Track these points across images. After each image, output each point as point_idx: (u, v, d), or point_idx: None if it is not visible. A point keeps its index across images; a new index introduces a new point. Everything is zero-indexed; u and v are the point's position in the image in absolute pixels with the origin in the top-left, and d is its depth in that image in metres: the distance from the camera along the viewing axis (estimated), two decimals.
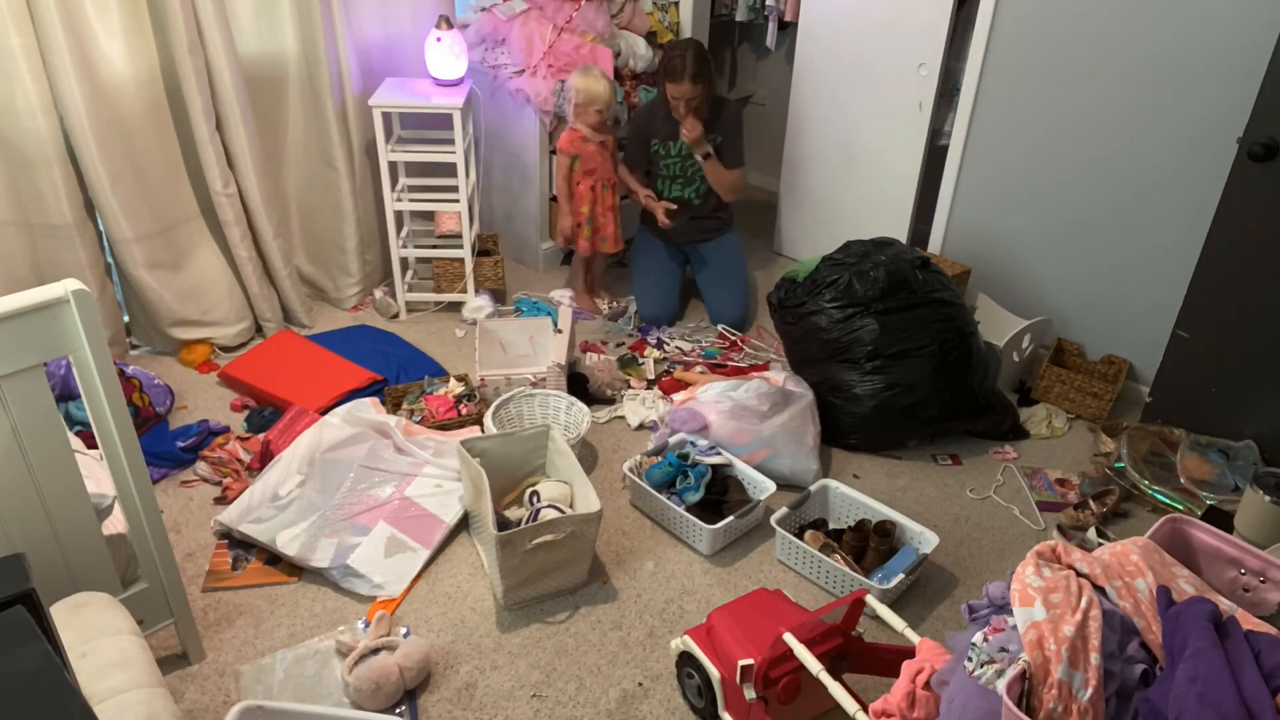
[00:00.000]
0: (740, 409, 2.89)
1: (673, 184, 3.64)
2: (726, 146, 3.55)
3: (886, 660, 2.03)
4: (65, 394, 2.72)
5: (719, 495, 2.71)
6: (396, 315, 3.72)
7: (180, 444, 2.84)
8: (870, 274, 2.99)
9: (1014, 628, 1.53)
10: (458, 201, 3.52)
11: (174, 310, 3.27)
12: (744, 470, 2.77)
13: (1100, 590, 1.58)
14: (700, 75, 3.32)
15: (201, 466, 2.81)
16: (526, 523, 2.39)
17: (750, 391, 2.93)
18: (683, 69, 3.30)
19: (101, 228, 3.11)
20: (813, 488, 2.69)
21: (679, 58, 3.33)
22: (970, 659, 1.55)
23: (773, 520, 2.55)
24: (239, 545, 2.54)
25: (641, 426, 3.13)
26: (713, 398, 2.95)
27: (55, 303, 1.67)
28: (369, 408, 2.94)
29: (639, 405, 3.19)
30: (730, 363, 3.47)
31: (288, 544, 2.47)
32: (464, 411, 3.03)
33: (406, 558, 2.51)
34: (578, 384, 3.22)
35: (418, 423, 2.99)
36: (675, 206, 3.60)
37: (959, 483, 2.95)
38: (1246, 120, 2.58)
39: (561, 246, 3.78)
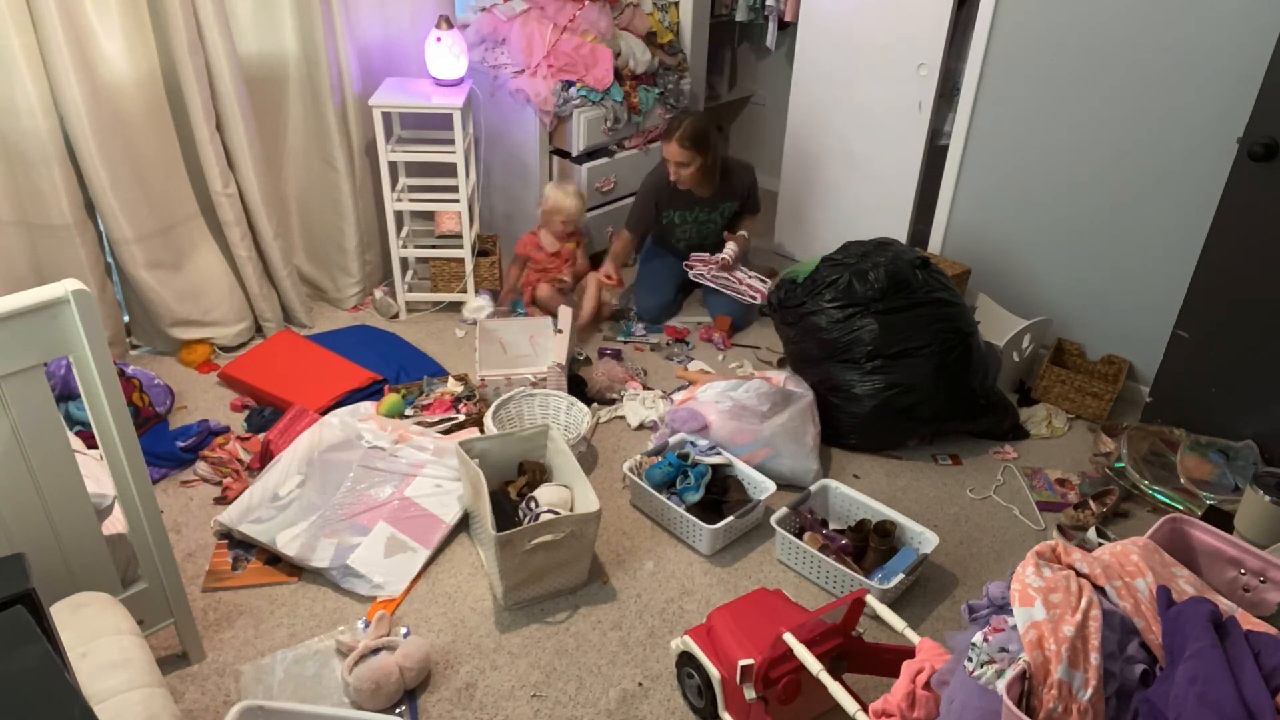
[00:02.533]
0: (740, 409, 2.89)
1: (689, 243, 3.77)
2: (749, 204, 3.75)
3: (886, 660, 2.03)
4: (65, 394, 2.72)
5: (719, 495, 2.71)
6: (396, 315, 3.72)
7: (180, 444, 2.84)
8: (870, 274, 2.98)
9: (1014, 628, 1.53)
10: (458, 201, 3.52)
11: (174, 310, 3.27)
12: (744, 470, 2.77)
13: (1100, 590, 1.58)
14: (693, 142, 3.37)
15: (201, 466, 2.81)
16: (526, 524, 2.39)
17: (750, 391, 2.93)
18: (675, 129, 3.38)
19: (101, 228, 3.11)
20: (813, 488, 2.69)
21: (675, 120, 3.42)
22: (970, 659, 1.55)
23: (773, 520, 2.55)
24: (239, 545, 2.54)
25: (641, 426, 3.13)
26: (713, 398, 2.95)
27: (55, 303, 1.67)
28: (368, 411, 2.93)
29: (639, 405, 3.19)
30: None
31: (288, 544, 2.47)
32: (464, 411, 3.03)
33: (406, 558, 2.51)
34: (577, 385, 3.22)
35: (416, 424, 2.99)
36: (616, 284, 3.65)
37: (959, 483, 2.95)
38: (1246, 120, 2.58)
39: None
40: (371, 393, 3.16)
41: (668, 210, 3.64)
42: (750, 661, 1.89)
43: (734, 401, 2.91)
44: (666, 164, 3.47)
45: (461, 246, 3.63)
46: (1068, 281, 3.40)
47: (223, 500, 2.70)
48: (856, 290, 2.99)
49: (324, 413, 2.93)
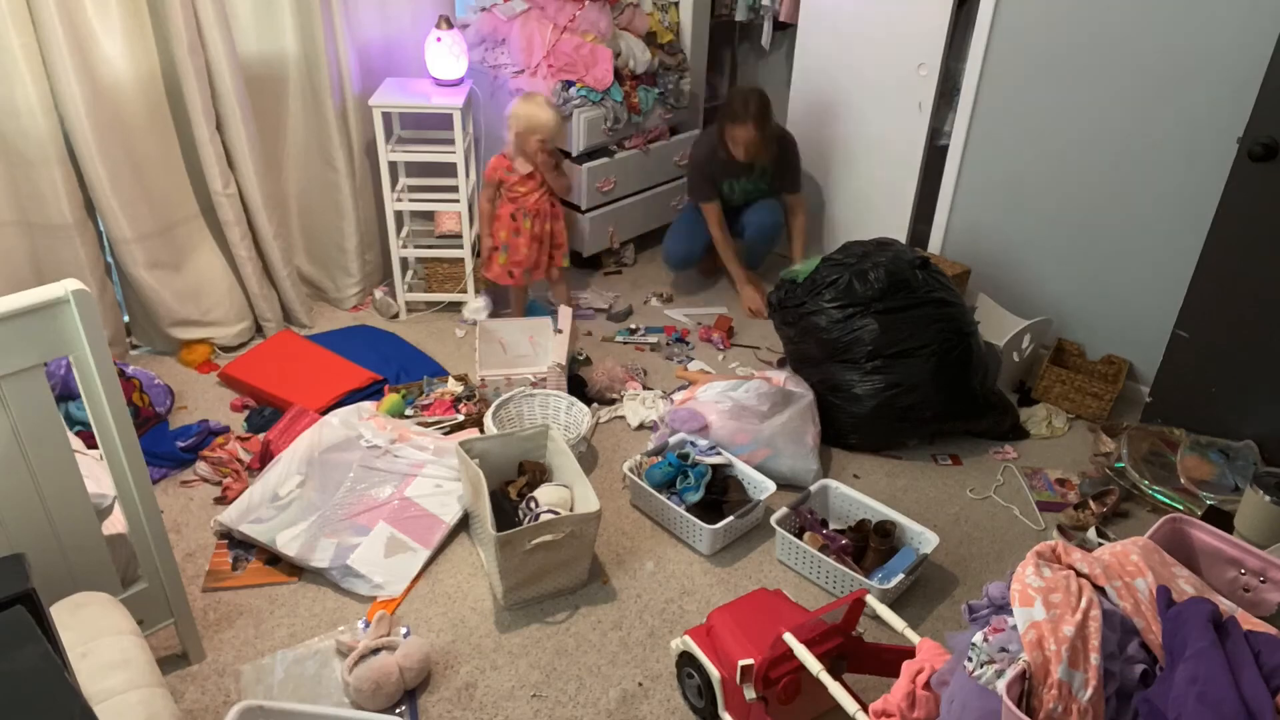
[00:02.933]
0: (740, 409, 2.89)
1: (738, 205, 3.84)
2: (788, 174, 3.78)
3: (886, 660, 2.03)
4: (65, 394, 2.72)
5: (719, 495, 2.71)
6: (396, 315, 3.72)
7: (180, 444, 2.84)
8: (870, 274, 2.98)
9: (1014, 628, 1.53)
10: (458, 202, 3.52)
11: (174, 310, 3.27)
12: (744, 470, 2.77)
13: (1100, 590, 1.58)
14: (763, 118, 3.44)
15: (201, 466, 2.81)
16: (526, 524, 2.39)
17: (750, 391, 2.93)
18: (745, 112, 3.41)
19: (102, 228, 3.11)
20: (813, 488, 2.69)
21: (741, 102, 3.43)
22: (970, 659, 1.55)
23: (773, 520, 2.55)
24: (239, 545, 2.54)
25: (641, 426, 3.13)
26: (713, 398, 2.95)
27: (55, 303, 1.67)
28: (369, 413, 2.92)
29: (639, 405, 3.19)
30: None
31: (288, 544, 2.47)
32: (464, 411, 3.03)
33: (406, 558, 2.51)
34: (577, 385, 3.22)
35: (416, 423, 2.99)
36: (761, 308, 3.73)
37: (959, 483, 2.95)
38: (1246, 120, 2.58)
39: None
40: (371, 392, 3.16)
41: (721, 180, 3.72)
42: (750, 661, 1.89)
43: (734, 401, 2.91)
44: (734, 146, 3.50)
45: (461, 246, 3.63)
46: (1068, 281, 3.40)
47: (223, 500, 2.70)
48: (856, 290, 2.99)
49: (324, 412, 2.93)
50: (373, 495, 2.65)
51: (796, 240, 3.90)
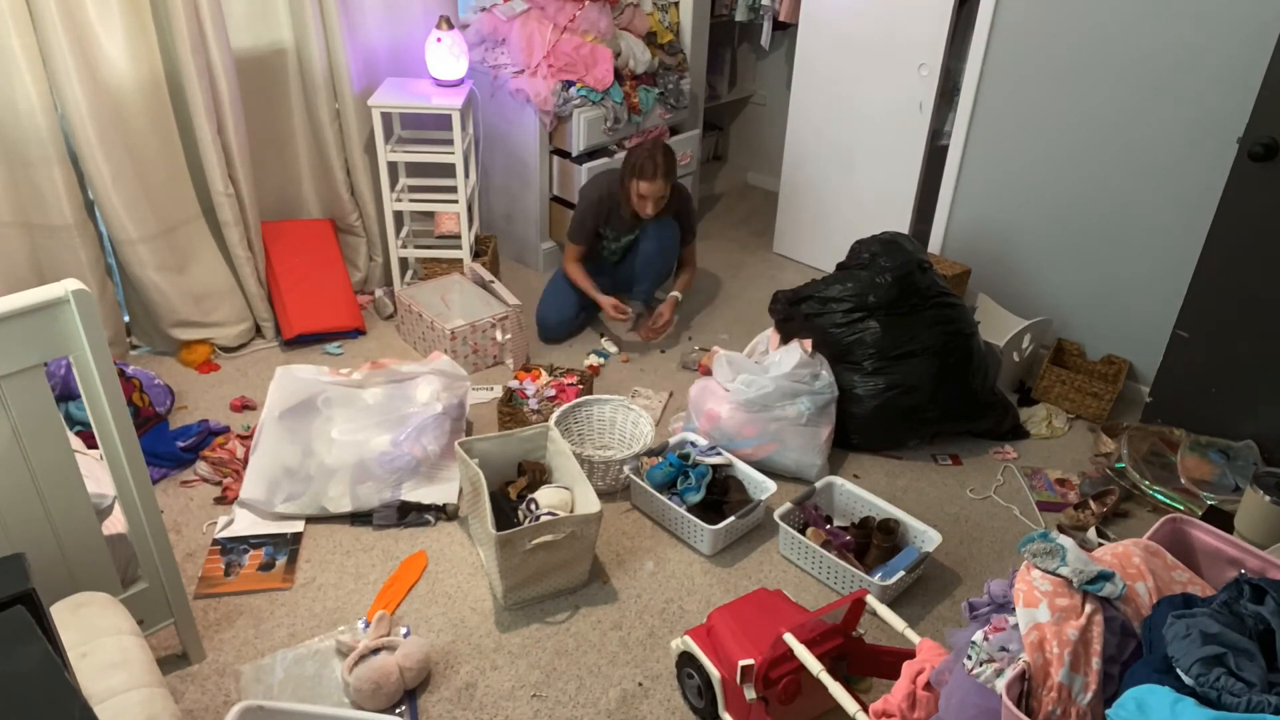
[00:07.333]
0: (750, 401, 2.83)
1: (613, 259, 3.66)
2: (682, 222, 3.58)
3: (887, 661, 2.04)
4: (65, 394, 2.72)
5: (720, 495, 2.71)
6: (392, 315, 3.71)
7: (180, 444, 2.83)
8: (876, 278, 2.98)
9: (1014, 627, 1.53)
10: (457, 202, 3.52)
11: (177, 311, 3.26)
12: (744, 470, 2.77)
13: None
14: (671, 172, 3.32)
15: (201, 466, 2.81)
16: (526, 525, 2.39)
17: (769, 379, 2.84)
18: (654, 169, 3.27)
19: (102, 228, 3.11)
20: (818, 484, 2.70)
21: (649, 158, 3.28)
22: (970, 656, 1.55)
23: (776, 515, 2.55)
24: (232, 551, 2.53)
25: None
26: (726, 376, 2.89)
27: (55, 303, 1.67)
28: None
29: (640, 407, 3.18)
30: None
31: (340, 504, 2.63)
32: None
33: (448, 479, 2.74)
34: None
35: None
36: (628, 313, 3.53)
37: (959, 483, 2.95)
38: (1246, 120, 2.58)
39: None
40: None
41: (606, 228, 3.51)
42: (750, 662, 1.89)
43: (747, 392, 2.83)
44: (641, 201, 3.33)
45: (460, 247, 3.63)
46: (1068, 281, 3.40)
47: (222, 500, 2.70)
48: (861, 293, 2.98)
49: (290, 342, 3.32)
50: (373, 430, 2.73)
51: (683, 278, 3.69)
